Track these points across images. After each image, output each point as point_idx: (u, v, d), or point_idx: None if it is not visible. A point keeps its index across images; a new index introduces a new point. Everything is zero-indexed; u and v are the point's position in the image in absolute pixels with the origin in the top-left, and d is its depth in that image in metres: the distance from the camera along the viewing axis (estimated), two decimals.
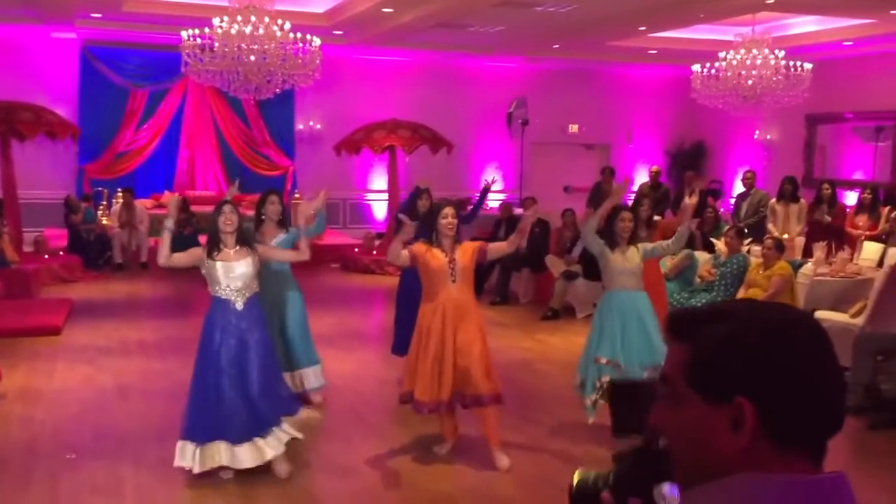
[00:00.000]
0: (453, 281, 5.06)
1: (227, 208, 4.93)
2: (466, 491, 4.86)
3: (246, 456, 4.76)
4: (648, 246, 5.82)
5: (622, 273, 5.67)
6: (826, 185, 10.84)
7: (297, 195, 13.64)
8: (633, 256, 5.70)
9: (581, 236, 6.11)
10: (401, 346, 6.27)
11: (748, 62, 10.44)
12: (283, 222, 6.25)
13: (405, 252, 5.09)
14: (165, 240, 4.93)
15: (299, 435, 4.97)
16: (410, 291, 5.58)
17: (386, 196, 14.56)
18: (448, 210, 5.12)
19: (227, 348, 4.79)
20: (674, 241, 5.79)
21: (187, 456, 4.77)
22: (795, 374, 1.08)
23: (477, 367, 5.03)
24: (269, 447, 4.80)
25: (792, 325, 1.12)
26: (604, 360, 5.57)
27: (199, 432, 4.77)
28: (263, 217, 6.18)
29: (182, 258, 4.93)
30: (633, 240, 5.74)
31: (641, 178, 15.56)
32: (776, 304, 1.19)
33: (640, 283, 5.77)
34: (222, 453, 4.74)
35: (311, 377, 6.40)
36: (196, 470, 4.76)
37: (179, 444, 4.81)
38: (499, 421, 5.29)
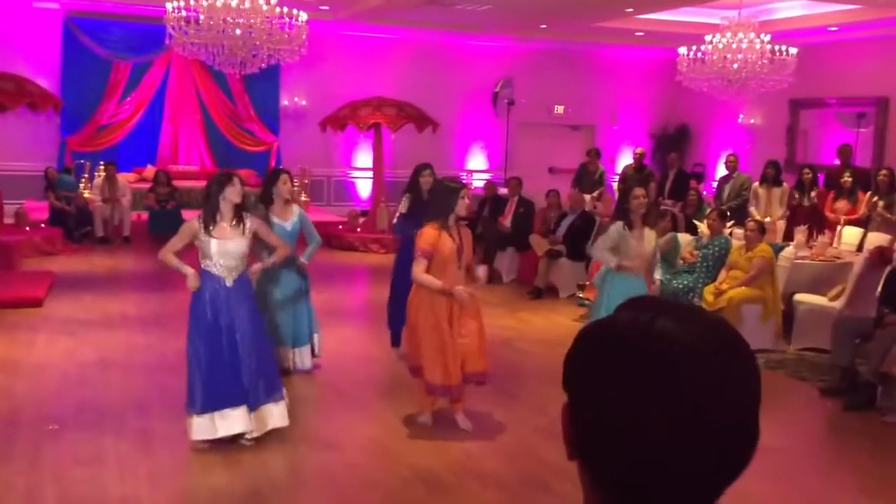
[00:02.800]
0: (459, 267, 5.13)
1: (237, 179, 4.91)
2: (449, 465, 4.91)
3: (233, 421, 4.82)
4: (658, 248, 5.81)
5: (637, 257, 5.65)
6: (807, 170, 10.92)
7: None
8: (649, 239, 5.68)
9: (596, 254, 6.07)
10: (400, 337, 6.33)
11: (734, 46, 10.46)
12: (290, 199, 6.31)
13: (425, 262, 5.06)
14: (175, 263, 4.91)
15: (283, 423, 5.02)
16: (405, 281, 5.59)
17: (371, 174, 14.53)
18: (466, 191, 5.17)
19: (216, 319, 4.80)
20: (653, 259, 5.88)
21: (203, 429, 4.83)
22: (599, 396, 0.89)
23: (478, 346, 5.17)
24: (251, 421, 4.86)
25: (628, 343, 0.89)
26: None
27: (210, 402, 4.80)
28: (274, 196, 6.16)
29: (178, 243, 4.89)
30: (647, 220, 5.70)
31: (626, 160, 15.62)
32: (672, 314, 0.91)
33: (644, 269, 5.81)
34: (232, 420, 4.81)
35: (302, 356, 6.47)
36: (199, 437, 4.82)
37: (194, 420, 4.83)
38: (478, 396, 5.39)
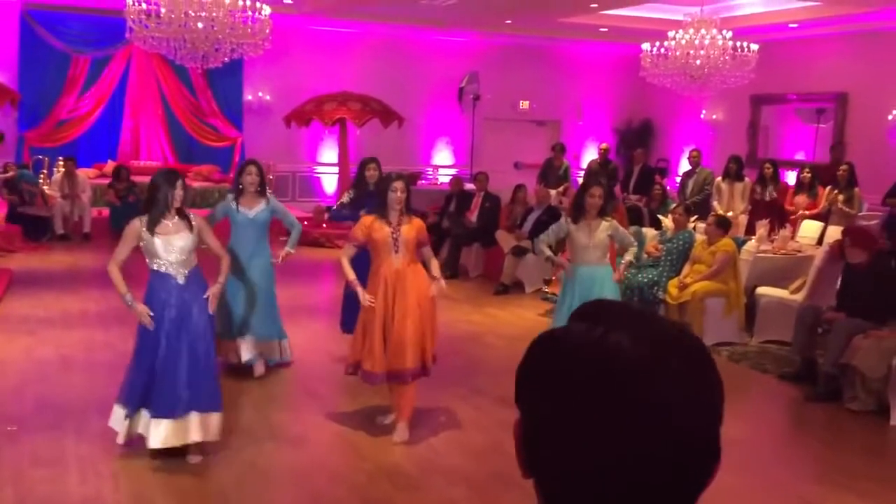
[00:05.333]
0: (396, 252, 5.07)
1: (180, 183, 4.76)
2: (416, 461, 4.89)
3: (168, 432, 4.64)
4: (620, 230, 5.86)
5: (587, 248, 5.72)
6: (768, 165, 11.06)
7: None
8: (601, 231, 5.71)
9: (542, 244, 6.12)
10: (349, 323, 6.26)
11: (696, 42, 10.57)
12: (263, 191, 6.28)
13: (353, 248, 5.18)
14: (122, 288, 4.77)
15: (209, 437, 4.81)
16: (360, 270, 5.58)
17: (336, 169, 14.45)
18: (398, 184, 5.11)
19: (168, 321, 4.70)
20: (628, 246, 5.89)
21: (117, 420, 4.73)
22: (548, 412, 0.87)
23: (409, 341, 5.03)
24: (195, 429, 4.67)
25: (575, 351, 0.87)
26: None
27: (131, 399, 4.70)
28: (242, 187, 6.20)
29: (125, 250, 4.76)
30: (602, 213, 5.76)
31: (591, 154, 15.71)
32: (621, 319, 0.88)
33: (606, 257, 5.84)
34: (142, 423, 4.69)
35: (269, 349, 6.39)
36: (120, 440, 4.71)
37: (114, 407, 4.77)
38: (417, 397, 5.27)
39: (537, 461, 0.89)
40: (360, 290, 5.09)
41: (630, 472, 0.83)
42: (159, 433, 4.63)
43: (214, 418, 4.76)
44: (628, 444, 0.83)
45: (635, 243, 6.00)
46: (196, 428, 4.67)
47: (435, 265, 5.31)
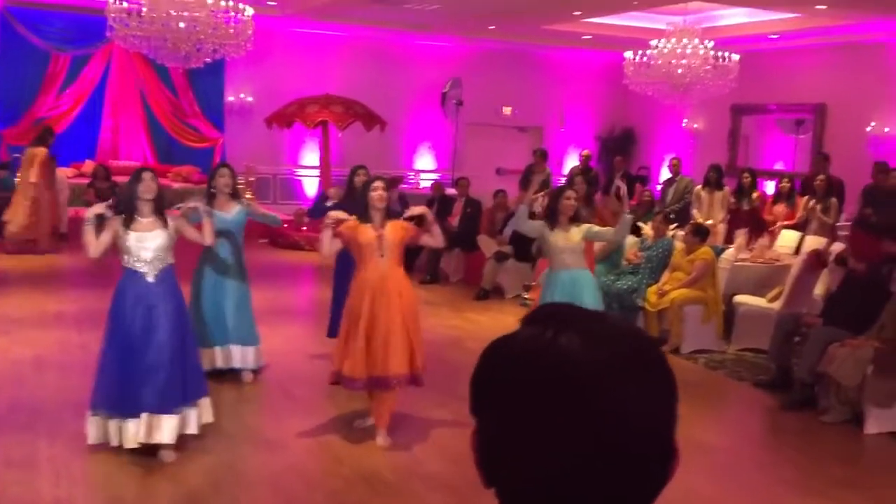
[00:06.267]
0: (381, 255, 5.06)
1: (147, 175, 4.82)
2: (394, 467, 4.87)
3: (138, 431, 4.62)
4: (594, 229, 5.86)
5: (563, 251, 5.72)
6: (746, 174, 11.16)
7: None
8: (573, 235, 5.73)
9: (515, 224, 6.15)
10: (337, 329, 6.24)
11: (679, 51, 10.64)
12: (236, 195, 6.22)
13: (335, 240, 5.10)
14: (89, 232, 4.74)
15: (194, 430, 4.84)
16: (346, 275, 5.55)
17: (317, 172, 14.40)
18: (378, 183, 5.15)
19: (135, 320, 4.68)
20: (617, 231, 5.89)
21: (97, 430, 4.67)
22: (501, 419, 0.86)
23: (393, 346, 5.00)
24: (165, 429, 4.65)
25: (530, 354, 0.85)
26: None
27: (107, 404, 4.66)
28: (214, 191, 6.12)
29: (107, 238, 4.76)
30: (575, 219, 5.79)
31: (572, 161, 15.76)
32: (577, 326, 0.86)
33: (582, 261, 5.84)
34: (116, 428, 4.65)
35: (244, 356, 6.30)
36: (91, 441, 4.68)
37: (89, 418, 4.69)
38: (396, 403, 5.26)
39: (495, 471, 0.88)
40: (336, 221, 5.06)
41: (587, 478, 0.82)
42: (130, 431, 4.60)
43: (201, 408, 4.81)
44: (584, 449, 0.82)
45: (615, 236, 6.02)
46: (172, 424, 4.66)
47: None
